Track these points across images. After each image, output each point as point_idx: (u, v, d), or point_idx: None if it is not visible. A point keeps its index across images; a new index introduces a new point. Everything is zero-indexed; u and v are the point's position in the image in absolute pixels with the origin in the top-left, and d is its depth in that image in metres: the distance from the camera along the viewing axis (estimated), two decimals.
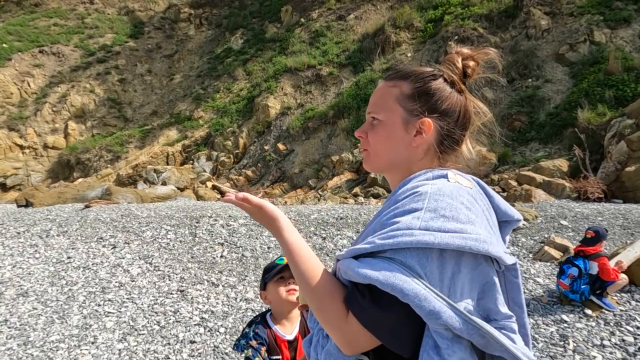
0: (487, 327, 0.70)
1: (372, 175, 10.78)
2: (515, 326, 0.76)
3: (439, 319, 0.68)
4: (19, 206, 10.67)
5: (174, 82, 21.76)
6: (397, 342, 0.74)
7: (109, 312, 4.27)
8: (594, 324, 3.54)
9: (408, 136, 0.91)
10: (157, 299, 4.55)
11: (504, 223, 0.92)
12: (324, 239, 6.08)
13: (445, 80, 0.93)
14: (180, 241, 6.26)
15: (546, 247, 5.03)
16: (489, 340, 0.70)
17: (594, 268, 3.72)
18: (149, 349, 3.60)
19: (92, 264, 5.55)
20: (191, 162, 16.14)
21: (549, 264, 4.79)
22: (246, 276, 5.05)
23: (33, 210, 9.20)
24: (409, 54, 15.14)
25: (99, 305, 4.44)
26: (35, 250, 6.13)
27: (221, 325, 3.95)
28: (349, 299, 0.78)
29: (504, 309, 0.77)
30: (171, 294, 4.67)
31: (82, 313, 4.28)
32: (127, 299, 4.58)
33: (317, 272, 0.84)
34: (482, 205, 0.84)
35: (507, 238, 0.97)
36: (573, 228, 5.84)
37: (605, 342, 3.26)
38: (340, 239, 6.02)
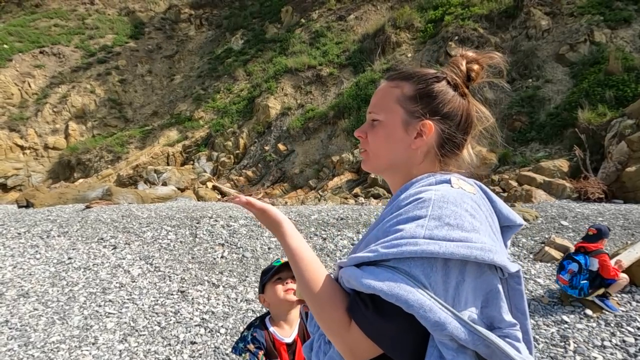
0: (492, 337, 0.69)
1: (373, 175, 10.78)
2: (519, 334, 0.75)
3: (444, 330, 0.67)
4: (19, 207, 10.69)
5: (175, 82, 21.78)
6: (400, 352, 0.73)
7: (109, 313, 4.27)
8: (594, 324, 3.54)
9: (408, 138, 0.90)
10: (157, 300, 4.55)
11: (506, 228, 0.91)
12: (325, 239, 6.08)
13: (448, 82, 0.91)
14: (181, 242, 6.27)
15: (546, 248, 5.02)
16: (494, 350, 0.69)
17: (594, 264, 3.72)
18: (149, 349, 3.60)
19: (93, 265, 5.55)
20: (191, 162, 16.15)
21: (549, 264, 4.78)
22: (247, 277, 5.05)
23: (34, 211, 9.21)
24: (409, 55, 15.15)
25: (100, 306, 4.45)
26: (36, 251, 6.14)
27: (222, 326, 3.95)
28: (351, 307, 0.77)
29: (508, 317, 0.76)
30: (172, 294, 4.68)
31: (82, 314, 4.28)
32: (128, 299, 4.58)
33: (320, 278, 0.83)
34: (486, 211, 0.83)
35: (509, 243, 0.96)
36: (573, 228, 5.84)
37: (606, 343, 3.26)
38: (341, 239, 6.02)
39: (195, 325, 3.98)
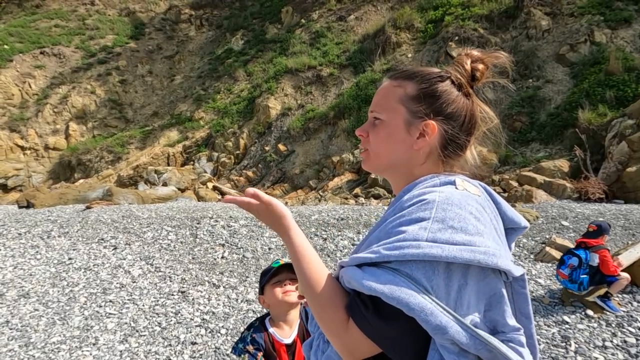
0: (495, 342, 0.69)
1: (373, 176, 10.78)
2: (523, 339, 0.75)
3: (445, 334, 0.66)
4: (20, 207, 10.69)
5: (175, 83, 21.80)
6: (401, 353, 0.72)
7: (110, 313, 4.27)
8: (595, 325, 3.53)
9: (410, 138, 0.88)
10: (158, 300, 4.55)
11: (510, 230, 0.90)
12: (325, 239, 6.08)
13: (452, 82, 0.89)
14: (181, 242, 6.27)
15: (547, 248, 5.02)
16: (496, 355, 0.68)
17: (594, 259, 3.71)
18: (150, 350, 3.60)
19: (93, 265, 5.55)
20: (192, 162, 16.16)
21: (550, 264, 4.78)
22: (247, 277, 5.05)
23: (34, 211, 9.21)
24: (410, 55, 15.15)
25: (100, 306, 4.45)
26: (37, 252, 6.14)
27: (222, 326, 3.95)
28: (351, 308, 0.76)
29: (511, 321, 0.75)
30: (172, 295, 4.67)
31: (83, 314, 4.28)
32: (128, 300, 4.58)
33: (322, 277, 0.82)
34: (490, 213, 0.82)
35: (513, 245, 0.94)
36: (574, 229, 5.83)
37: (607, 343, 3.26)
38: (341, 239, 6.02)
39: (196, 326, 3.98)
